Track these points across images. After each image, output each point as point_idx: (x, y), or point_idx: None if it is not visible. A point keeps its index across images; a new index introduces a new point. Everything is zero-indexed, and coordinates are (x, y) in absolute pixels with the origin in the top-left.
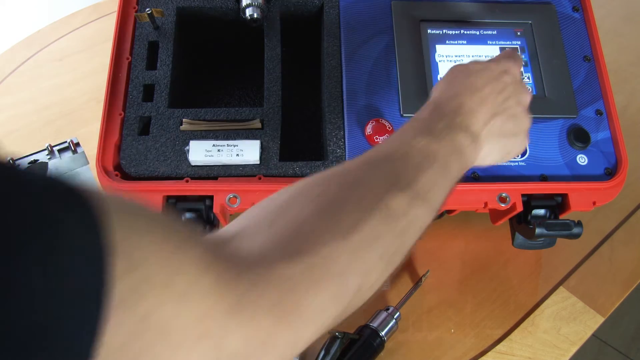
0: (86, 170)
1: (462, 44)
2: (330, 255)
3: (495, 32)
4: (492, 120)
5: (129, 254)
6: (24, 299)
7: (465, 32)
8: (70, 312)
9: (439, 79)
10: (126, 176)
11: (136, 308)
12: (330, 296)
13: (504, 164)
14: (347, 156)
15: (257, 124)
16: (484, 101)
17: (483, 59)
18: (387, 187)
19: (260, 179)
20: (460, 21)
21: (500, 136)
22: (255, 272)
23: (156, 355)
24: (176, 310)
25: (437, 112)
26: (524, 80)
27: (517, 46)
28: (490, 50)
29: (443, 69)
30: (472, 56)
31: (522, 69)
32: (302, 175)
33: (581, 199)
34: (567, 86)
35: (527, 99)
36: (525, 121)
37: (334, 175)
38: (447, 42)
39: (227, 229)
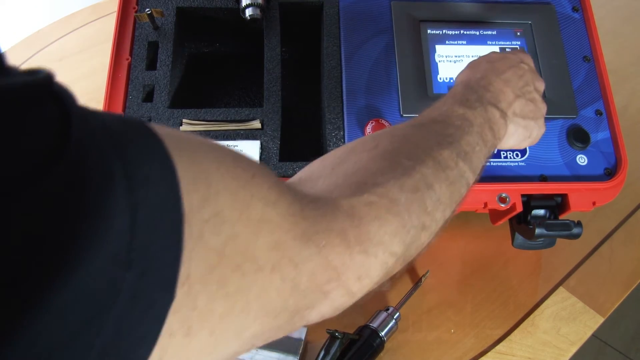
0: None
1: (462, 44)
2: (387, 194)
3: (495, 33)
4: (516, 101)
5: (204, 185)
6: (117, 225)
7: (465, 32)
8: (153, 241)
9: (438, 79)
10: None
11: (211, 240)
12: (393, 230)
13: (504, 164)
14: None
15: (256, 124)
16: (507, 83)
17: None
18: (435, 142)
19: None
20: (460, 21)
21: (523, 117)
22: (322, 204)
23: (236, 283)
24: (251, 239)
25: (468, 88)
26: None
27: (517, 46)
28: (490, 51)
29: (443, 69)
30: (472, 56)
31: (533, 63)
32: None
33: (581, 199)
34: (567, 86)
35: (542, 86)
36: (542, 106)
37: (384, 134)
38: (446, 42)
39: (291, 179)
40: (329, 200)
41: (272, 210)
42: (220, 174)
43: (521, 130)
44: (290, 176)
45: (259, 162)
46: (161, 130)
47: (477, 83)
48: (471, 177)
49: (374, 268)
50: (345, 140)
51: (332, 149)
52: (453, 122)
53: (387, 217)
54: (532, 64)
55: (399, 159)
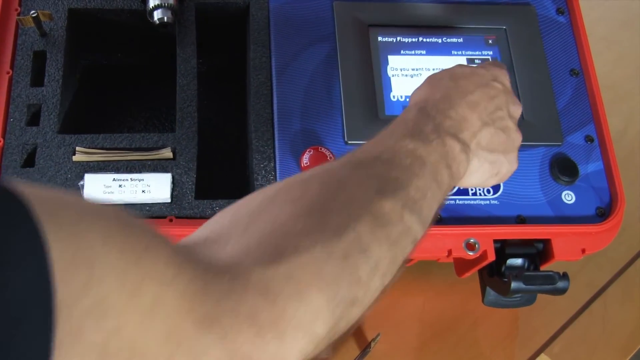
0: None
1: (421, 54)
2: (314, 261)
3: (461, 40)
4: (482, 130)
5: (86, 267)
6: None
7: (424, 39)
8: (15, 344)
9: (392, 97)
10: None
11: (92, 336)
12: (316, 309)
13: (472, 202)
14: None
15: (167, 153)
16: (474, 107)
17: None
18: (376, 191)
19: (171, 220)
20: (419, 26)
21: (490, 151)
22: (229, 279)
23: None
24: (141, 330)
25: (423, 114)
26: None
27: (489, 57)
28: (455, 63)
29: (397, 86)
30: (433, 69)
31: (509, 81)
32: None
33: (567, 246)
34: (550, 107)
35: (518, 111)
36: (516, 137)
37: (316, 176)
38: (401, 52)
39: (192, 236)
40: (239, 272)
41: (167, 290)
42: (106, 250)
43: (487, 166)
44: (208, 217)
45: (152, 229)
46: (32, 193)
47: (435, 107)
48: (420, 230)
49: (292, 355)
50: (277, 173)
51: (260, 185)
52: (401, 161)
53: (310, 292)
54: (507, 83)
55: (329, 215)
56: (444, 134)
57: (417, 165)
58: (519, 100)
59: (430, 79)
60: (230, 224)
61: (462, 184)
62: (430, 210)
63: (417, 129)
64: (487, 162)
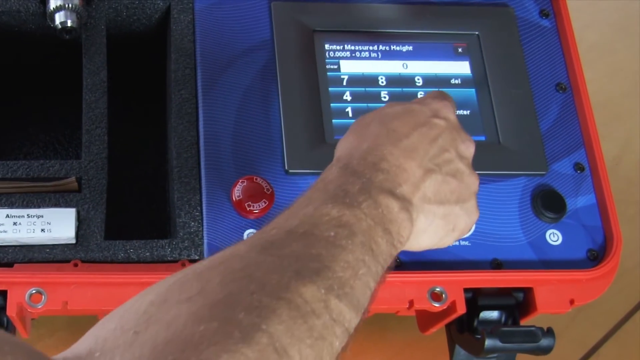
0: None
1: None
2: None
3: (425, 49)
4: (427, 179)
5: None
6: None
7: (381, 48)
8: None
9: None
10: None
11: None
12: None
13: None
14: (205, 231)
15: (72, 184)
16: (412, 153)
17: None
18: (293, 274)
19: (76, 265)
20: (374, 32)
21: (440, 203)
22: None
23: None
24: None
25: (348, 171)
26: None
27: (459, 68)
28: (417, 74)
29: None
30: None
31: (456, 115)
32: (140, 261)
33: (553, 296)
34: (532, 128)
35: (469, 149)
36: (472, 181)
37: (214, 266)
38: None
39: (73, 349)
40: None
41: None
42: None
43: (439, 222)
44: (121, 261)
45: (15, 340)
46: None
47: (362, 161)
48: (353, 318)
49: None
50: (204, 208)
51: (183, 221)
52: (322, 233)
53: None
54: (452, 117)
55: (234, 313)
56: (376, 192)
57: (343, 237)
58: (486, 120)
59: (355, 126)
60: (115, 332)
61: (409, 248)
62: (365, 290)
63: (341, 191)
64: (438, 217)
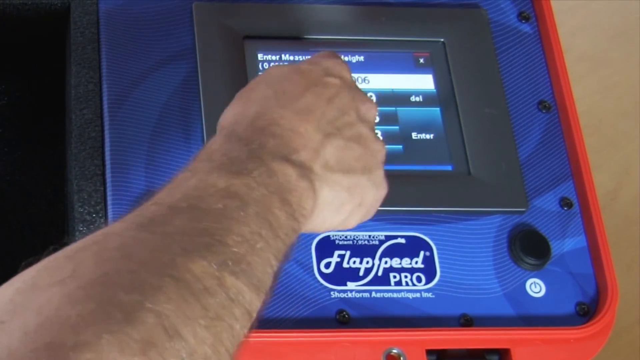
0: None
1: None
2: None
3: (379, 60)
4: (327, 144)
5: None
6: None
7: None
8: None
9: None
10: None
11: None
12: None
13: (396, 296)
14: None
15: None
16: (307, 115)
17: None
18: (178, 252)
19: None
20: (316, 39)
21: (346, 172)
22: None
23: None
24: None
25: (233, 139)
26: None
27: (422, 82)
28: (369, 94)
29: None
30: None
31: (351, 74)
32: None
33: (535, 359)
34: (509, 156)
35: (371, 111)
36: (378, 148)
37: (86, 247)
38: None
39: None
40: None
41: None
42: None
43: (344, 195)
44: None
45: None
46: None
47: (249, 126)
48: (254, 298)
49: None
50: None
51: None
52: (209, 206)
53: None
54: (348, 75)
55: (113, 293)
56: (269, 158)
57: (234, 208)
58: (453, 145)
59: (239, 94)
60: None
61: (314, 228)
62: (264, 267)
63: (227, 159)
64: (344, 189)
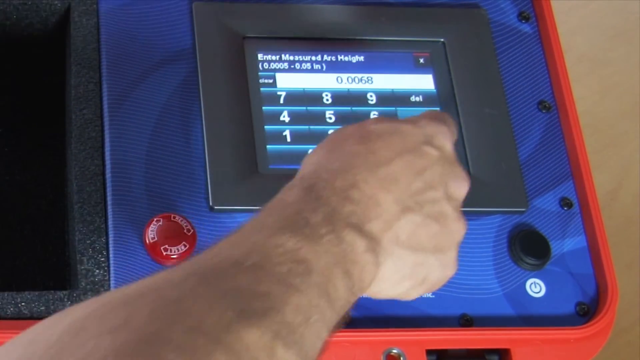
0: None
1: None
2: None
3: (380, 60)
4: (402, 218)
5: None
6: None
7: (325, 58)
8: None
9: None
10: None
11: None
12: None
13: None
14: (113, 281)
15: None
16: (390, 184)
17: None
18: (235, 314)
19: None
20: (316, 39)
21: (414, 249)
22: None
23: None
24: None
25: (311, 196)
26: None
27: (421, 83)
28: (370, 94)
29: None
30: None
31: (453, 145)
32: (33, 317)
33: (535, 359)
34: (510, 156)
35: (462, 190)
36: (457, 228)
37: (144, 294)
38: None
39: None
40: None
41: None
42: None
43: (406, 270)
44: (10, 317)
45: None
46: None
47: (329, 185)
48: None
49: None
50: (111, 253)
51: (85, 269)
52: (274, 268)
53: None
54: (449, 147)
55: (164, 353)
56: (341, 225)
57: (298, 274)
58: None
59: (329, 138)
60: None
61: (370, 295)
62: (315, 340)
63: (301, 219)
64: (407, 265)
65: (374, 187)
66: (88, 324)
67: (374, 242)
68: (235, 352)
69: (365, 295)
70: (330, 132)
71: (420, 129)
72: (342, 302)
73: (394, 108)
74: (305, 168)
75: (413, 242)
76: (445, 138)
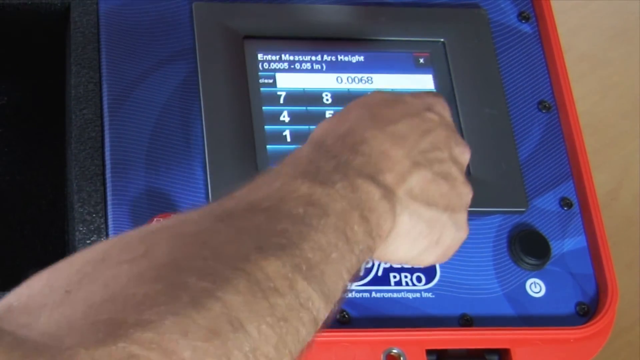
0: None
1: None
2: (161, 341)
3: (380, 60)
4: (415, 172)
5: None
6: None
7: (325, 58)
8: None
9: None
10: None
11: None
12: None
13: (396, 296)
14: None
15: None
16: (400, 140)
17: None
18: (254, 246)
19: None
20: (316, 39)
21: (429, 205)
22: None
23: None
24: None
25: (322, 150)
26: None
27: (421, 82)
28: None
29: None
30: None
31: (451, 117)
32: None
33: (534, 359)
34: (509, 156)
35: (465, 155)
36: (465, 190)
37: (163, 229)
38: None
39: None
40: (57, 354)
41: None
42: None
43: (423, 227)
44: None
45: None
46: None
47: (339, 141)
48: (322, 307)
49: None
50: None
51: None
52: (290, 210)
53: None
54: (448, 116)
55: (183, 277)
56: (354, 174)
57: (314, 215)
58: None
59: (338, 112)
60: (43, 290)
61: (387, 255)
62: (336, 278)
63: (314, 167)
64: (423, 220)
65: (383, 142)
66: (108, 255)
67: (389, 192)
68: (256, 280)
69: (383, 254)
70: None
71: (420, 99)
72: (361, 246)
73: None
74: (313, 134)
75: (426, 197)
76: (444, 108)
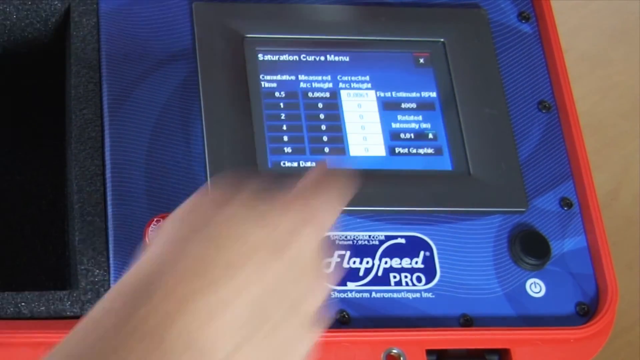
0: None
1: None
2: None
3: (379, 60)
4: (242, 348)
5: None
6: None
7: (325, 58)
8: None
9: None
10: None
11: None
12: None
13: (396, 296)
14: (113, 281)
15: None
16: (225, 301)
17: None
18: None
19: None
20: (317, 39)
21: None
22: None
23: None
24: None
25: (137, 299)
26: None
27: (421, 84)
28: (369, 94)
29: None
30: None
31: (332, 224)
32: (33, 317)
33: (535, 359)
34: (509, 156)
35: (316, 299)
36: (301, 345)
37: None
38: None
39: None
40: None
41: None
42: None
43: None
44: (10, 317)
45: None
46: None
47: (137, 295)
48: None
49: None
50: (110, 253)
51: (85, 269)
52: None
53: None
54: (316, 235)
55: None
56: (159, 337)
57: None
58: (453, 146)
59: (170, 226)
60: None
61: None
62: None
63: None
64: None
65: (198, 297)
66: None
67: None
68: None
69: None
70: None
71: (281, 213)
72: None
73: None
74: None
75: None
76: (311, 234)
